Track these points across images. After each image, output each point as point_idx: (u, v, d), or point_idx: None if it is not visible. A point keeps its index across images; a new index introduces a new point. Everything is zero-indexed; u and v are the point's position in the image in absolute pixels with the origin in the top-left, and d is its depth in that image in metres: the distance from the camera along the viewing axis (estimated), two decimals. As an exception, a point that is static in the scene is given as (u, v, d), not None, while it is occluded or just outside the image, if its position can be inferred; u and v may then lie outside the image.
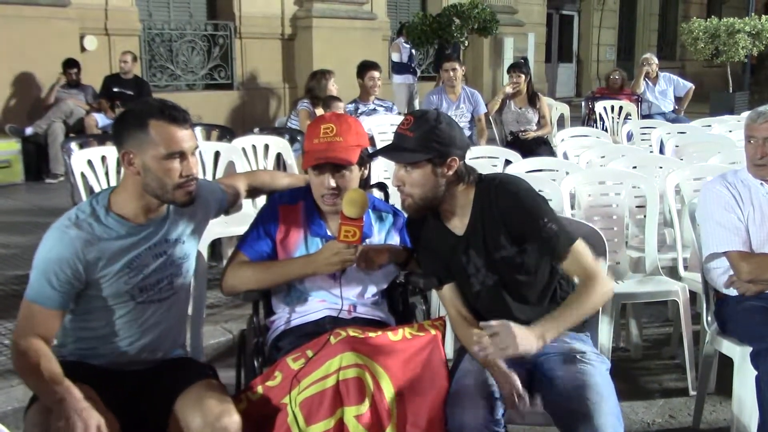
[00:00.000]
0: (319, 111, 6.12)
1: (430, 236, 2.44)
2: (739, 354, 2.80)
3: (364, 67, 6.55)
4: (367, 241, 2.51)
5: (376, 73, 6.49)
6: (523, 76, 6.73)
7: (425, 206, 2.33)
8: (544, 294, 2.39)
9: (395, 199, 3.80)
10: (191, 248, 2.36)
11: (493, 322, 2.11)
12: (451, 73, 6.56)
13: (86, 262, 2.08)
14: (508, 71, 7.06)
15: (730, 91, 13.75)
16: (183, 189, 2.16)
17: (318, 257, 2.38)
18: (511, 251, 2.31)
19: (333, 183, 2.43)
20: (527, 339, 2.10)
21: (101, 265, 2.11)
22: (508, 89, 6.77)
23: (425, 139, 2.25)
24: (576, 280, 2.41)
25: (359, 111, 6.44)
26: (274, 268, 2.47)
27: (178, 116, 2.12)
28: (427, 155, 2.25)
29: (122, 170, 2.21)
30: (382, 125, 6.19)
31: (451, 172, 2.29)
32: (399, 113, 7.67)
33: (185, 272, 2.36)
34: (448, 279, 2.44)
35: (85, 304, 2.15)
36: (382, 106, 6.61)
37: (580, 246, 2.30)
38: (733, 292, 2.91)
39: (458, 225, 2.38)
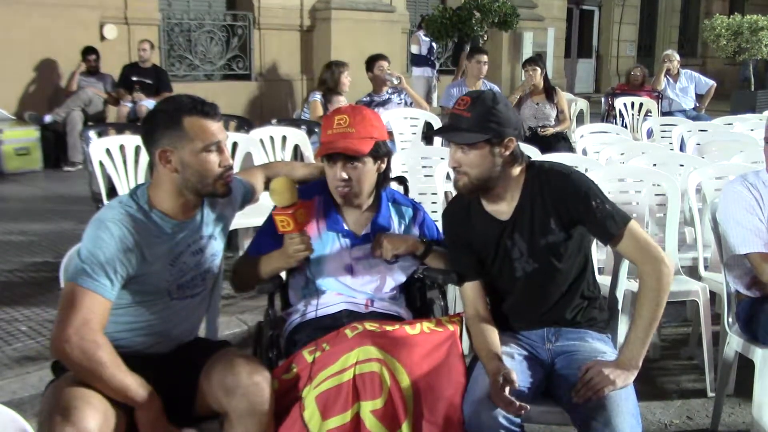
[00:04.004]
0: (335, 102, 6.16)
1: (471, 226, 2.41)
2: (761, 356, 2.76)
3: (372, 59, 6.56)
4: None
5: (384, 63, 6.49)
6: (539, 70, 6.69)
7: (480, 186, 2.31)
8: (571, 288, 2.38)
9: (414, 193, 3.80)
10: (221, 244, 2.38)
11: (585, 369, 2.14)
12: (482, 65, 6.58)
13: (139, 254, 2.07)
14: (524, 66, 7.03)
15: (752, 89, 13.60)
16: (222, 180, 2.18)
17: (282, 251, 2.39)
18: (558, 237, 2.30)
19: (344, 174, 2.42)
20: (623, 375, 2.13)
21: (148, 261, 2.10)
22: (525, 89, 6.75)
23: (483, 120, 2.23)
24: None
25: (374, 103, 6.43)
26: (259, 263, 2.48)
27: (209, 110, 2.15)
28: (485, 135, 2.23)
29: (154, 168, 2.19)
30: (398, 118, 6.20)
31: (507, 153, 2.28)
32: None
33: (216, 267, 2.38)
34: (474, 276, 2.42)
35: (120, 299, 2.12)
36: (394, 93, 6.59)
37: (635, 225, 2.27)
38: (755, 293, 2.87)
39: (504, 210, 2.36)
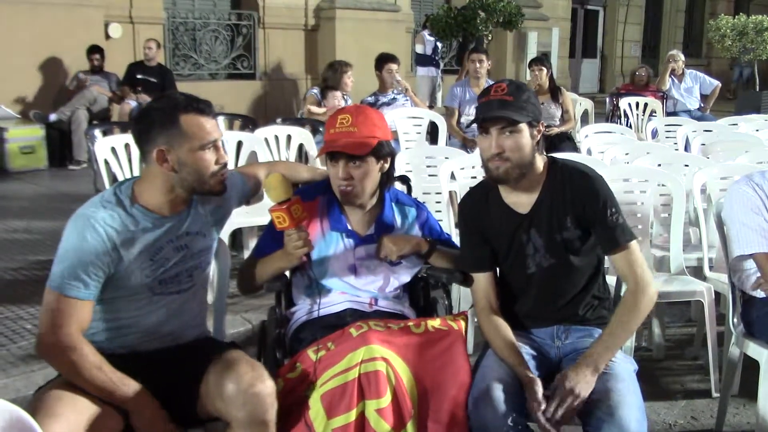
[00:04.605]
0: (333, 100, 6.22)
1: (488, 217, 2.42)
2: (766, 357, 2.75)
3: (382, 60, 6.56)
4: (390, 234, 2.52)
5: (393, 65, 6.49)
6: (544, 69, 6.67)
7: (519, 172, 2.31)
8: (585, 287, 2.40)
9: (418, 193, 3.79)
10: (212, 241, 2.37)
11: (552, 388, 2.15)
12: (477, 65, 6.52)
13: (115, 251, 2.07)
14: (530, 65, 7.02)
15: (757, 89, 13.55)
16: (218, 177, 2.18)
17: (283, 250, 2.40)
18: (574, 234, 2.33)
19: (345, 173, 2.42)
20: (585, 382, 2.12)
21: (125, 256, 2.10)
22: (531, 89, 6.73)
23: (524, 102, 2.28)
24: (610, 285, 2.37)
25: (379, 102, 6.42)
26: (263, 264, 2.49)
27: (204, 108, 2.15)
28: (529, 117, 2.27)
29: (146, 165, 2.18)
30: (402, 117, 6.20)
31: (540, 136, 2.32)
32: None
33: (205, 264, 2.36)
34: (488, 266, 2.42)
35: (102, 295, 2.12)
36: (400, 93, 6.59)
37: (636, 247, 2.32)
38: (760, 294, 2.86)
39: (524, 202, 2.37)
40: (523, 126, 2.26)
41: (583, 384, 2.11)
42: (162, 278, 2.20)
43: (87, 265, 2.02)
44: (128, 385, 2.01)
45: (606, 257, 2.40)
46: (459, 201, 2.59)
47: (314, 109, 6.33)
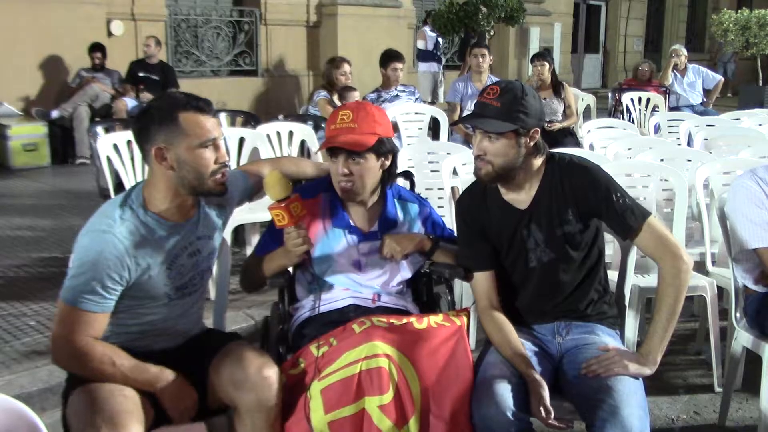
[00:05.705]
0: (350, 99, 6.16)
1: (487, 215, 2.41)
2: (769, 351, 2.76)
3: (388, 58, 6.53)
4: (393, 231, 2.53)
5: (399, 65, 6.47)
6: (547, 65, 6.67)
7: (501, 176, 2.32)
8: (585, 281, 2.40)
9: (421, 189, 3.79)
10: (219, 240, 2.39)
11: (604, 350, 2.25)
12: (480, 59, 6.51)
13: (135, 265, 2.07)
14: (532, 61, 7.02)
15: (760, 84, 13.53)
16: (216, 178, 2.15)
17: (284, 248, 2.41)
18: (575, 227, 2.33)
19: (345, 169, 2.42)
20: (636, 366, 2.19)
21: (144, 268, 2.09)
22: (533, 84, 6.72)
23: (512, 110, 2.24)
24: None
25: (381, 99, 6.41)
26: (265, 263, 2.50)
27: (204, 106, 2.14)
28: (513, 125, 2.24)
29: (149, 166, 2.16)
30: (406, 114, 6.19)
31: (532, 143, 2.29)
32: (423, 101, 7.65)
33: (212, 264, 2.39)
34: (488, 265, 2.41)
35: (119, 305, 2.11)
36: (404, 91, 6.58)
37: (654, 220, 2.30)
38: (763, 288, 2.86)
39: (523, 199, 2.37)
40: (507, 132, 2.24)
41: (634, 366, 2.18)
42: (179, 285, 2.21)
43: (104, 280, 2.02)
44: (145, 371, 2.06)
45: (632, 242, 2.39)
46: (458, 197, 2.58)
47: (330, 108, 6.26)
